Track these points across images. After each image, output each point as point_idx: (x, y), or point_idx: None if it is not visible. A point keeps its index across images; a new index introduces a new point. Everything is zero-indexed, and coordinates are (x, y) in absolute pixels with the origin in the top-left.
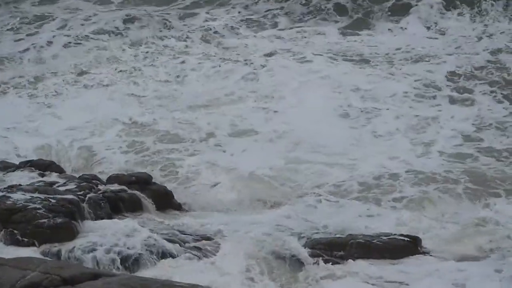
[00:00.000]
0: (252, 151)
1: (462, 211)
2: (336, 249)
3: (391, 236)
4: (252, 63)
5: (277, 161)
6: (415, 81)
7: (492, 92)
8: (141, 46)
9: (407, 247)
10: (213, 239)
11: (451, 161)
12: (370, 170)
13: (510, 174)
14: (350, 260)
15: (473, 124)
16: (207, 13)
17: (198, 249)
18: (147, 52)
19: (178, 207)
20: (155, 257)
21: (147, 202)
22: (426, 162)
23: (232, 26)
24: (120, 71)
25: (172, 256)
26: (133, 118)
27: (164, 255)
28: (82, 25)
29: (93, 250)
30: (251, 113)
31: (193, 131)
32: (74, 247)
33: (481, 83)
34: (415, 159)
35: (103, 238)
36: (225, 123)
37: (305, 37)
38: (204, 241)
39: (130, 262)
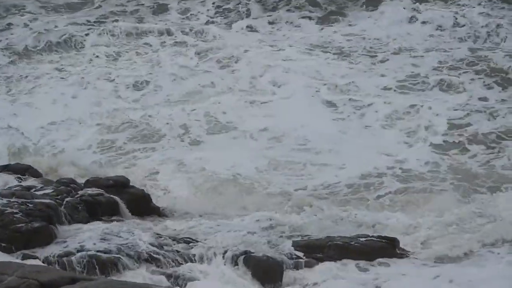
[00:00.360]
0: (232, 150)
1: (446, 209)
2: (314, 251)
3: (369, 238)
4: (231, 56)
5: (259, 160)
6: (398, 72)
7: (479, 79)
8: (117, 40)
9: (385, 248)
10: (192, 242)
11: (439, 153)
12: (356, 168)
13: (498, 167)
14: (328, 262)
15: (462, 111)
16: (180, 3)
17: (177, 252)
18: (123, 46)
19: (157, 210)
20: (133, 261)
21: (125, 206)
22: (414, 156)
23: (208, 20)
24: (96, 65)
25: (151, 259)
26: (109, 115)
27: (142, 258)
28: (54, 17)
29: (71, 254)
30: (231, 107)
31: (169, 128)
32: (52, 251)
33: (465, 72)
34: (403, 153)
35: (81, 242)
36: (203, 118)
37: (280, 29)
38: (183, 245)
39: (108, 266)
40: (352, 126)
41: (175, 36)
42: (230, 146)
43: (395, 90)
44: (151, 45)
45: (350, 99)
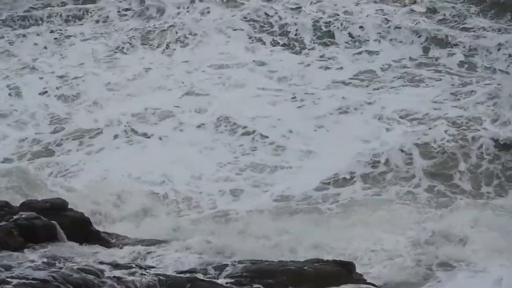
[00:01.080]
0: (174, 150)
1: (404, 226)
2: (265, 276)
3: (323, 263)
4: (168, 49)
5: (206, 163)
6: (352, 63)
7: (436, 72)
8: (43, 34)
9: (340, 274)
10: (134, 268)
11: (404, 151)
12: (312, 172)
13: (469, 165)
14: None
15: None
16: None
17: (118, 279)
18: (54, 39)
19: (96, 234)
20: None
21: (62, 231)
22: (381, 150)
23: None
24: (24, 57)
25: (89, 287)
26: (33, 112)
27: (80, 286)
28: None
29: (5, 282)
30: (173, 98)
31: (101, 126)
32: None
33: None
34: (370, 147)
35: (16, 269)
36: (142, 111)
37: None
38: (124, 271)
39: None
40: (309, 123)
41: (112, 20)
42: (172, 145)
43: (353, 84)
44: (82, 39)
45: (305, 91)
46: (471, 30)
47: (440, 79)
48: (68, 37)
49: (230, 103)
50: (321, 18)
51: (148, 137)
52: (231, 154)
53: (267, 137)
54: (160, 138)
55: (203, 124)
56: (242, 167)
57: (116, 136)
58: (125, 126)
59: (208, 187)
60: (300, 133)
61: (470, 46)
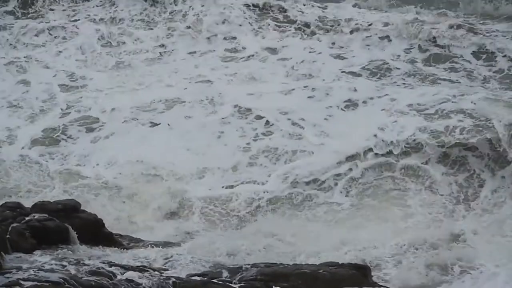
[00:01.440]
0: (187, 136)
1: (420, 224)
2: (279, 280)
3: (339, 266)
4: (175, 37)
5: (219, 152)
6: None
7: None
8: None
9: (355, 277)
10: (147, 271)
11: (418, 139)
12: (322, 161)
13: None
14: None
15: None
16: None
17: (131, 282)
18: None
19: (109, 236)
20: None
21: (75, 232)
22: (388, 141)
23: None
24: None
25: None
26: (45, 103)
27: None
28: None
29: (17, 285)
30: (186, 92)
31: (108, 116)
32: None
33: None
34: (376, 143)
35: (28, 271)
36: (147, 104)
37: None
38: (137, 274)
39: None
40: (322, 106)
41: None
42: (180, 132)
43: (363, 76)
44: (87, 19)
45: (315, 81)
46: (482, 32)
47: (457, 76)
48: (73, 21)
49: (240, 92)
50: (326, 17)
51: (156, 125)
52: (242, 140)
53: (276, 125)
54: (168, 124)
55: (213, 111)
56: (254, 154)
57: (123, 123)
58: (131, 113)
59: (217, 175)
60: (310, 122)
61: (480, 43)
